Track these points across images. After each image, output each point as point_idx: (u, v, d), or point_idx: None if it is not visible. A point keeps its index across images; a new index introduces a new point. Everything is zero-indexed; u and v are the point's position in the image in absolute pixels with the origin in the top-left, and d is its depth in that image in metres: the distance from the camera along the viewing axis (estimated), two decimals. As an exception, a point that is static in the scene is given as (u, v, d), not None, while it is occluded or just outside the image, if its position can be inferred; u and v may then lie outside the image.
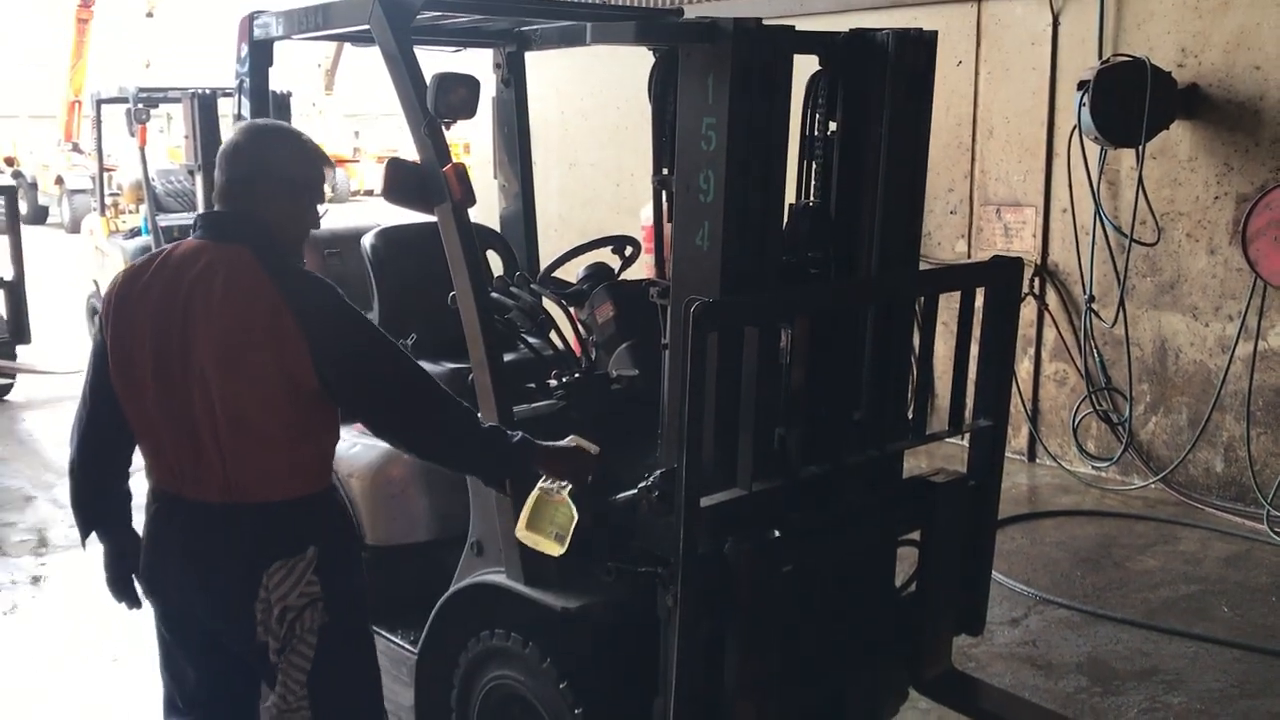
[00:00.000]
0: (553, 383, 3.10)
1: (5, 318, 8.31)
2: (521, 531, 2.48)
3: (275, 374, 2.16)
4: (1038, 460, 6.43)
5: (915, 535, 2.89)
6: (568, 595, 2.65)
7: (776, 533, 2.49)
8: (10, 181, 8.48)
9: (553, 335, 3.38)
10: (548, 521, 2.45)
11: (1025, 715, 2.90)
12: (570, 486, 2.44)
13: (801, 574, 2.60)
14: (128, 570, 2.49)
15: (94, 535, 2.50)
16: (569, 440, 2.51)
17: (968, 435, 2.96)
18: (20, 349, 8.47)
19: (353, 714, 2.45)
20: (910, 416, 2.85)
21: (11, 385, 8.38)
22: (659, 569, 2.39)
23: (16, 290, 8.22)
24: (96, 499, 2.46)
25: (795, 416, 2.49)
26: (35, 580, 4.94)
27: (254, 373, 2.16)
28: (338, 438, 2.40)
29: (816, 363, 2.53)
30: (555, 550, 2.44)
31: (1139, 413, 5.97)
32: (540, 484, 2.47)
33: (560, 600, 2.64)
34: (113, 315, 2.28)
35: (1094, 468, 6.15)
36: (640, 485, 2.44)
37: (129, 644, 4.19)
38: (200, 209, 7.91)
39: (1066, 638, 4.21)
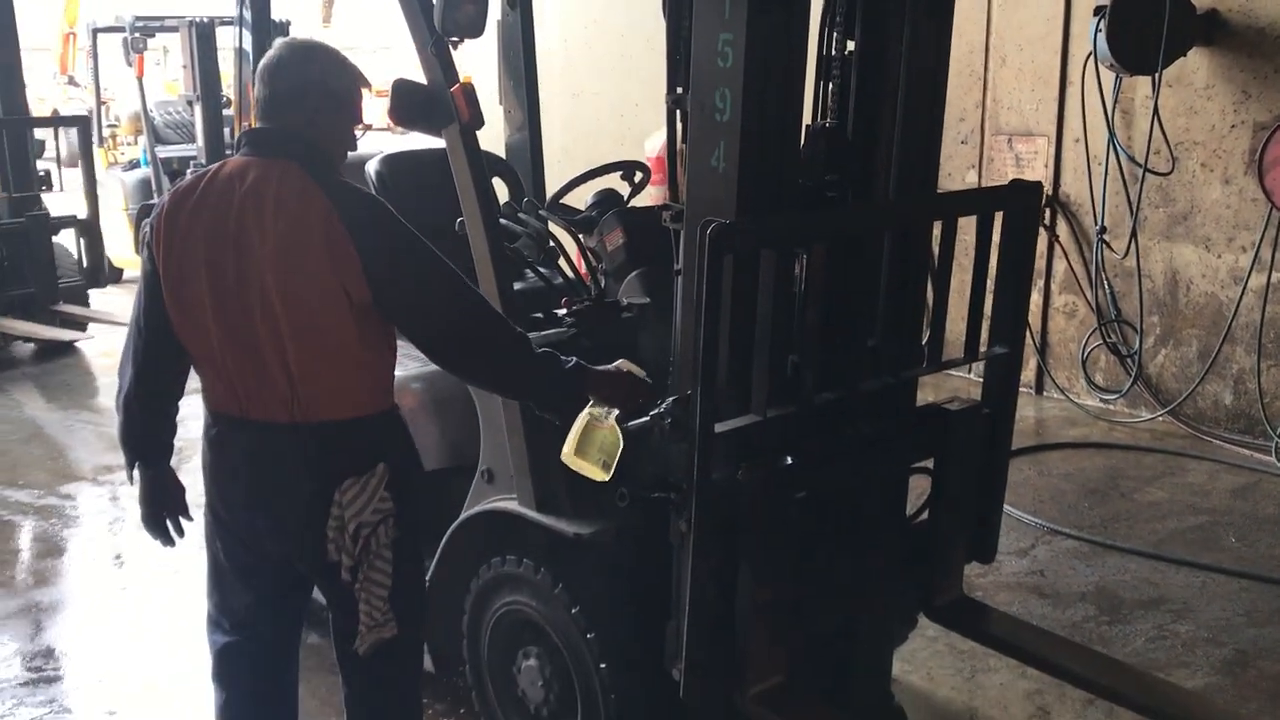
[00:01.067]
0: (562, 311, 3.07)
1: (79, 259, 7.77)
2: (569, 457, 2.45)
3: (334, 285, 2.13)
4: (1045, 393, 6.41)
5: (928, 464, 2.88)
6: (579, 521, 2.64)
7: (790, 459, 2.47)
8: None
9: (561, 263, 3.33)
10: (595, 448, 2.43)
11: (1034, 641, 2.89)
12: (618, 413, 2.41)
13: (814, 501, 2.59)
14: (164, 508, 2.48)
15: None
16: (619, 364, 2.48)
17: (980, 366, 2.93)
18: (94, 294, 7.90)
19: (422, 624, 2.50)
20: (925, 344, 2.81)
21: (83, 335, 7.55)
22: (672, 495, 2.37)
23: (92, 229, 7.64)
24: (148, 429, 2.42)
25: (810, 343, 2.46)
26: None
27: (314, 284, 2.13)
28: (396, 355, 2.37)
29: (833, 288, 2.49)
30: (601, 476, 2.42)
31: (1148, 345, 5.94)
32: (589, 409, 2.44)
33: (572, 526, 2.64)
34: (163, 239, 2.23)
35: (1102, 400, 6.13)
36: (653, 412, 2.41)
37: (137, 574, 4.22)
38: (200, 140, 7.83)
39: (1074, 568, 4.22)
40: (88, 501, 5.08)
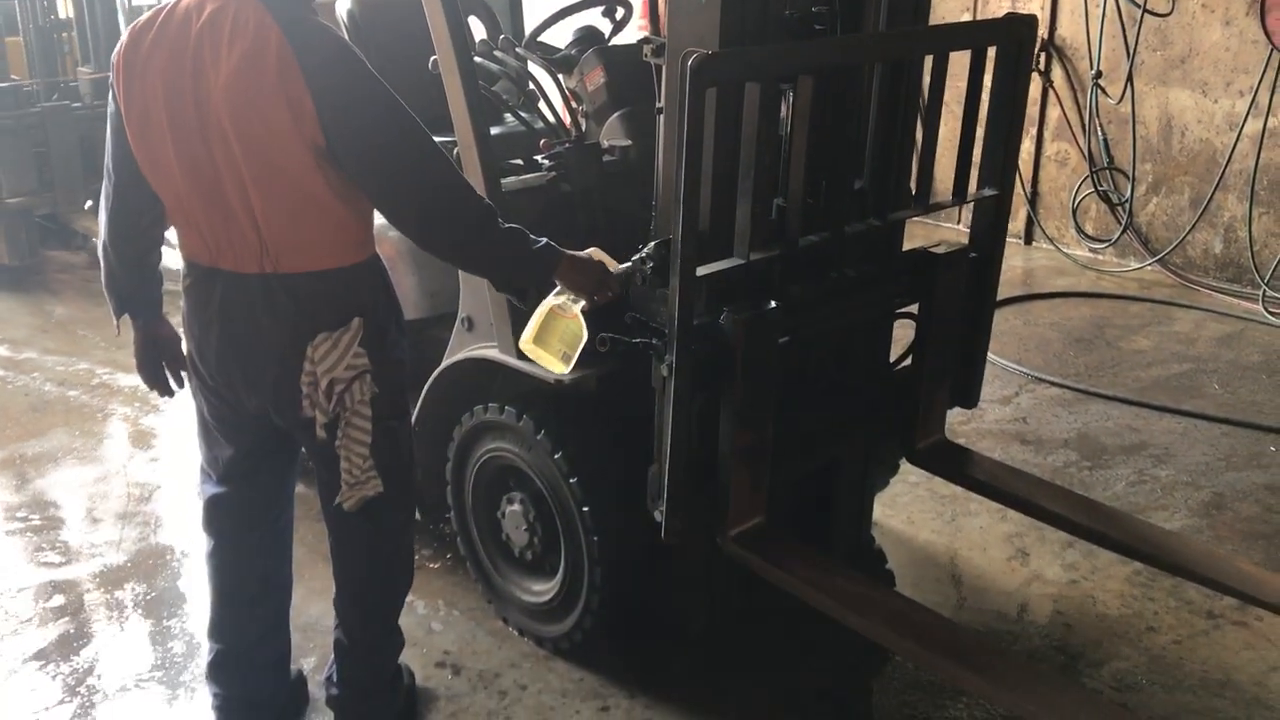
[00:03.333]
0: (539, 157, 2.98)
1: None
2: (527, 345, 2.39)
3: (289, 128, 1.99)
4: (1034, 243, 6.36)
5: (912, 309, 2.84)
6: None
7: (773, 303, 2.43)
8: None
9: (541, 106, 3.23)
10: (556, 338, 2.36)
11: (1015, 484, 2.91)
12: (584, 303, 2.34)
13: (798, 345, 2.56)
14: (159, 357, 2.44)
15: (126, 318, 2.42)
16: (591, 252, 2.36)
17: (967, 220, 2.88)
18: None
19: (410, 480, 2.45)
20: (914, 187, 2.75)
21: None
22: (654, 340, 2.34)
23: None
24: (129, 278, 2.35)
25: (795, 184, 2.39)
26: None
27: (269, 127, 1.99)
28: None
29: (819, 127, 2.40)
30: (560, 369, 2.37)
31: (1139, 194, 5.86)
32: (553, 296, 2.35)
33: (552, 373, 2.60)
34: (123, 79, 2.10)
35: (1091, 250, 6.09)
36: (634, 257, 2.36)
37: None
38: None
39: (1057, 415, 4.24)
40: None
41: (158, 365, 2.46)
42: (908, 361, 2.94)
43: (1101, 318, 5.30)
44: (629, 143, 2.92)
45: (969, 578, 3.23)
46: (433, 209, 2.14)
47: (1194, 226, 5.62)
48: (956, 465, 2.95)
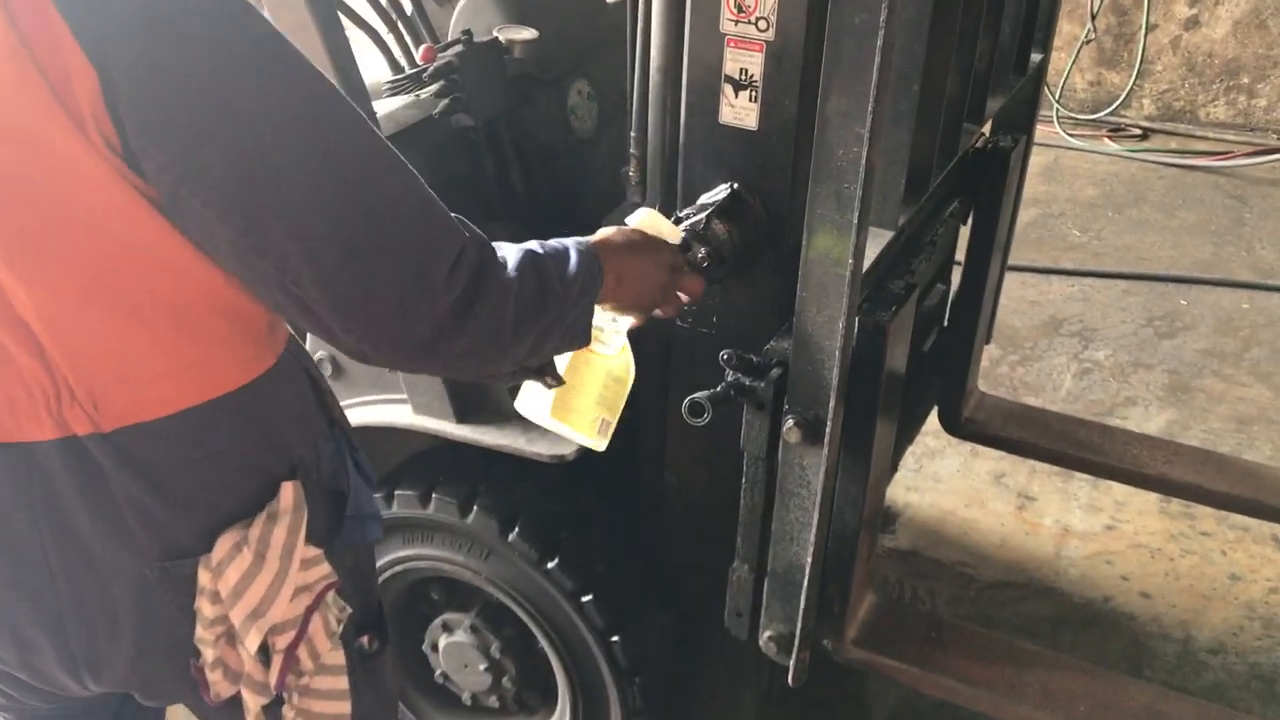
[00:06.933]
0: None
1: None
2: (546, 416, 1.31)
3: (59, 123, 0.82)
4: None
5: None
6: (540, 435, 1.56)
7: (902, 284, 1.52)
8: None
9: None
10: (593, 396, 1.29)
11: (1113, 446, 2.18)
12: (633, 320, 1.29)
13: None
14: None
15: None
16: (641, 220, 1.24)
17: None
18: None
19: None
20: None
21: None
22: (750, 382, 1.37)
23: None
24: None
25: (937, 89, 1.46)
26: None
27: (9, 129, 0.82)
28: None
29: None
30: (595, 444, 1.32)
31: None
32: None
33: (537, 444, 1.56)
34: None
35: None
36: (687, 225, 1.35)
37: None
38: None
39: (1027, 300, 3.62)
40: None
41: None
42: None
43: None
44: (532, 34, 1.81)
45: (990, 547, 2.55)
46: (389, 282, 0.95)
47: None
48: (1021, 430, 2.20)
